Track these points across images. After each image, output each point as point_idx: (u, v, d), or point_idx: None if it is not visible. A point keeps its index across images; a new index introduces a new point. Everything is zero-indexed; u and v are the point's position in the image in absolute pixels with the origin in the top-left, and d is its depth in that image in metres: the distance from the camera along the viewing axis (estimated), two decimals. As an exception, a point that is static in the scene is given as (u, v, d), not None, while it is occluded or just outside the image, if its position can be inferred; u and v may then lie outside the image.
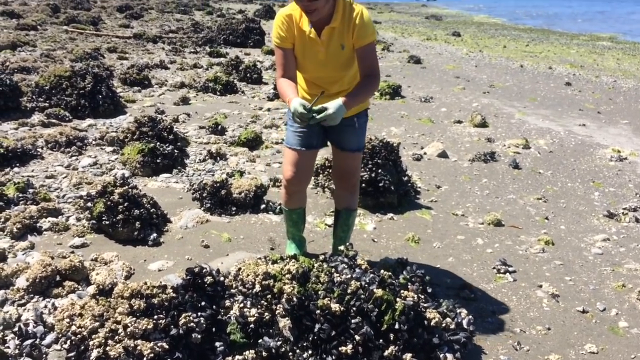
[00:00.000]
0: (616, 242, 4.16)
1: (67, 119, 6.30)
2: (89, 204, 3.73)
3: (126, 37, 14.76)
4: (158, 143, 5.12)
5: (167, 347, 2.19)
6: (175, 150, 5.18)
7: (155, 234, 3.63)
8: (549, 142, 7.05)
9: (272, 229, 3.95)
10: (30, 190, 4.12)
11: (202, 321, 2.30)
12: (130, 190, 3.72)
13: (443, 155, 6.14)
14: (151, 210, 3.75)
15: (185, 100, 7.87)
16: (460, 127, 7.60)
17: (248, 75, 9.87)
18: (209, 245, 3.61)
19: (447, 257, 3.73)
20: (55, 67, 7.41)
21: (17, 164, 4.71)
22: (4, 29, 14.19)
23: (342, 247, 2.80)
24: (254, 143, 6.04)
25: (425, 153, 6.20)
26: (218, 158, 5.49)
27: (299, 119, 2.70)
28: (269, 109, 7.74)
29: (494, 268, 3.58)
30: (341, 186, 3.33)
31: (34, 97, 6.59)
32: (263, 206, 4.28)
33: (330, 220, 4.14)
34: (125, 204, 3.60)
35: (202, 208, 4.19)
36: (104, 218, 3.58)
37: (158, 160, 4.97)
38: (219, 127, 6.45)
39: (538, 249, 3.91)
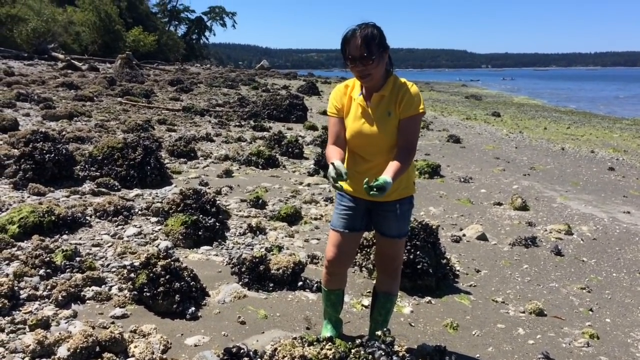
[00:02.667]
0: (666, 340, 3.98)
1: (116, 188, 6.55)
2: (132, 275, 3.82)
3: (176, 110, 15.45)
4: (201, 215, 5.26)
5: None
6: (217, 223, 5.30)
7: (193, 308, 3.67)
8: (592, 229, 6.91)
9: (308, 308, 3.95)
10: (77, 258, 4.26)
11: (237, 403, 2.29)
12: (172, 262, 3.80)
13: (482, 237, 6.08)
14: (191, 284, 3.81)
15: (228, 173, 8.10)
16: (500, 210, 7.55)
17: (290, 150, 10.12)
18: (245, 322, 3.62)
19: (486, 346, 3.63)
20: (108, 139, 7.78)
21: (67, 232, 4.89)
22: (63, 99, 15.08)
23: (379, 332, 2.78)
24: (293, 218, 6.13)
25: (464, 235, 6.15)
26: (258, 232, 5.58)
27: (331, 179, 2.80)
28: (309, 184, 7.88)
29: (535, 361, 3.46)
30: (382, 270, 3.34)
31: (86, 166, 6.90)
32: (300, 283, 4.30)
33: (367, 301, 4.11)
34: (167, 277, 3.68)
35: (240, 283, 4.23)
36: (145, 290, 3.66)
37: (200, 233, 5.08)
38: (260, 201, 6.59)
39: (582, 342, 3.77)
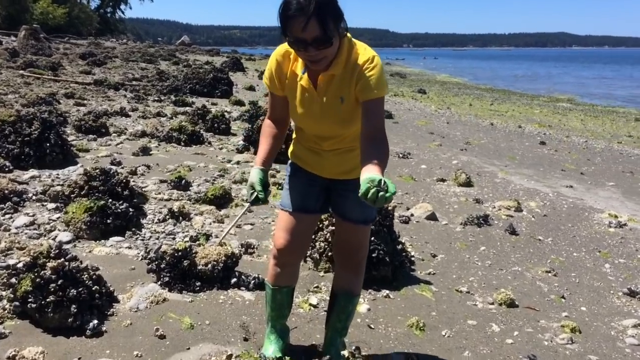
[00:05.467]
0: (650, 329, 3.57)
1: (6, 169, 5.48)
2: (13, 280, 2.93)
3: (86, 83, 14.04)
4: (110, 200, 4.37)
5: None
6: (130, 209, 4.43)
7: (96, 321, 2.84)
8: (540, 205, 6.56)
9: (245, 311, 3.22)
10: (-58, 259, 3.30)
11: None
12: (67, 263, 2.95)
13: (432, 217, 5.55)
14: (93, 289, 2.97)
15: (145, 151, 7.14)
16: (445, 186, 7.08)
17: (215, 125, 9.23)
18: (165, 335, 2.84)
19: (461, 350, 3.05)
20: (-2, 111, 6.60)
21: None
22: (-48, 70, 13.31)
23: (345, 352, 2.10)
24: (222, 201, 5.34)
25: (412, 215, 5.60)
26: (180, 218, 4.76)
27: (247, 196, 2.42)
28: (238, 162, 7.08)
29: (520, 366, 2.92)
30: (343, 263, 2.66)
31: (-31, 143, 5.76)
32: (234, 280, 3.54)
33: (315, 299, 3.43)
34: (60, 282, 2.83)
35: (159, 283, 3.43)
36: (30, 299, 2.79)
37: (109, 221, 4.21)
38: (183, 181, 5.73)
39: (565, 338, 3.27)
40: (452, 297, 3.74)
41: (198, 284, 3.45)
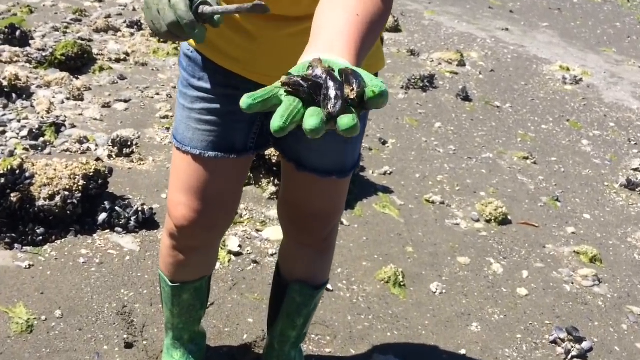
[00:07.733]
0: (675, 244, 2.80)
1: None
2: None
3: None
4: None
5: None
6: None
7: None
8: (482, 56, 5.51)
9: (124, 278, 1.96)
10: None
11: None
12: None
13: (367, 80, 4.33)
14: None
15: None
16: (369, 32, 5.77)
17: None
18: (-23, 361, 1.56)
19: (465, 319, 2.04)
20: None
21: None
22: None
23: None
24: (79, 62, 3.69)
25: (341, 76, 4.33)
26: (14, 95, 3.17)
27: (171, 24, 0.79)
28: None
29: (553, 342, 1.99)
30: (298, 238, 1.44)
31: None
32: (103, 216, 2.21)
33: (236, 241, 2.22)
34: None
35: (-31, 236, 2.03)
36: None
37: None
38: (18, 31, 3.94)
39: (589, 277, 2.38)
40: (424, 213, 2.68)
41: (40, 230, 2.09)
